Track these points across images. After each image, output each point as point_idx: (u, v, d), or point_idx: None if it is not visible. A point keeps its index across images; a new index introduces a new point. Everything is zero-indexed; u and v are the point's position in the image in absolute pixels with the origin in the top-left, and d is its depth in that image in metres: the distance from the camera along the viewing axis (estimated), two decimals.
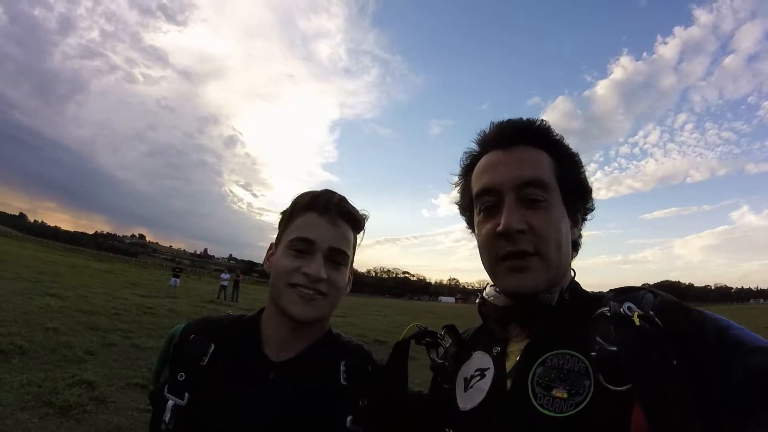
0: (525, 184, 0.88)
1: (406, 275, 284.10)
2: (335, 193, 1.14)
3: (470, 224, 1.04)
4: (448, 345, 1.07)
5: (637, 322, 0.70)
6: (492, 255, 0.91)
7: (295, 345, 1.09)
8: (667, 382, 0.64)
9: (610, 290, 0.86)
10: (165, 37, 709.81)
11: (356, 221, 1.14)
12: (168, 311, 14.45)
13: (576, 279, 0.96)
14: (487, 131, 0.99)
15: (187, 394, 1.00)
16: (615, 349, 0.70)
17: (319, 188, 1.16)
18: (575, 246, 0.96)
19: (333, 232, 1.08)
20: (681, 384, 0.63)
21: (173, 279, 26.23)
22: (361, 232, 1.19)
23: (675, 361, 0.65)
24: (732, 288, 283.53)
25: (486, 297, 1.00)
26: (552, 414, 0.76)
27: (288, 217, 1.13)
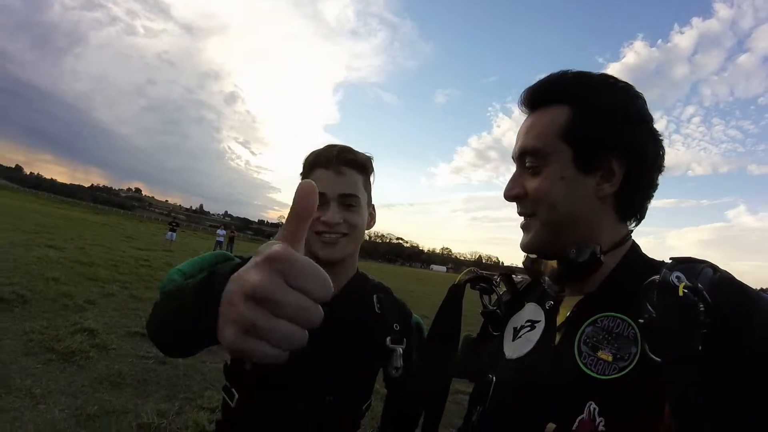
0: (522, 154, 0.92)
1: (400, 241, 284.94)
2: (336, 145, 1.25)
3: None
4: (501, 293, 1.10)
5: (680, 292, 0.68)
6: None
7: (336, 282, 1.21)
8: (692, 361, 0.62)
9: (671, 258, 0.83)
10: None
11: (360, 166, 1.25)
12: (165, 264, 14.57)
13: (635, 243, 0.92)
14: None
15: None
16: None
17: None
18: (624, 202, 0.88)
19: (339, 180, 1.20)
20: (703, 365, 0.62)
21: (170, 233, 26.22)
22: (372, 173, 1.32)
23: (709, 339, 0.63)
24: None
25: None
26: (593, 375, 0.76)
27: (303, 178, 1.24)
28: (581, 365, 0.78)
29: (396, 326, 1.29)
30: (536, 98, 0.93)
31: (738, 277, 0.75)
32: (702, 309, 0.65)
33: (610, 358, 0.76)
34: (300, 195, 0.47)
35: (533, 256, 0.98)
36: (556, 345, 0.86)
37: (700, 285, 0.69)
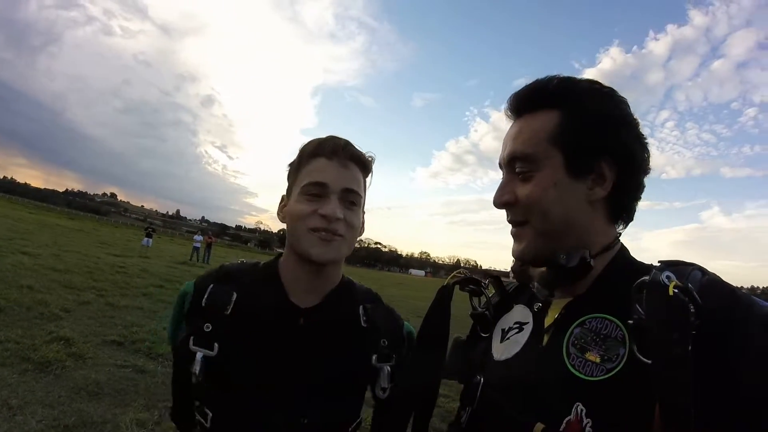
0: (512, 159, 0.91)
1: (378, 246, 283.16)
2: (340, 137, 1.14)
3: None
4: (491, 295, 1.09)
5: (671, 292, 0.67)
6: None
7: (318, 290, 1.14)
8: (682, 362, 0.62)
9: (660, 261, 0.82)
10: None
11: (364, 163, 1.15)
12: (141, 271, 14.39)
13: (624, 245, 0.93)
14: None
15: (216, 345, 1.04)
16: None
17: (296, 152, 1.18)
18: (614, 205, 0.89)
19: (344, 173, 1.09)
20: (690, 367, 0.62)
21: (146, 239, 25.93)
22: (370, 175, 1.20)
23: (698, 341, 0.64)
24: None
25: None
26: (581, 376, 0.77)
27: (297, 166, 1.15)
28: (569, 366, 0.79)
29: (384, 342, 1.15)
30: (523, 104, 0.93)
31: None
32: (692, 310, 0.66)
33: (597, 360, 0.76)
34: None
35: None
36: (543, 346, 0.88)
37: (690, 286, 0.69)
